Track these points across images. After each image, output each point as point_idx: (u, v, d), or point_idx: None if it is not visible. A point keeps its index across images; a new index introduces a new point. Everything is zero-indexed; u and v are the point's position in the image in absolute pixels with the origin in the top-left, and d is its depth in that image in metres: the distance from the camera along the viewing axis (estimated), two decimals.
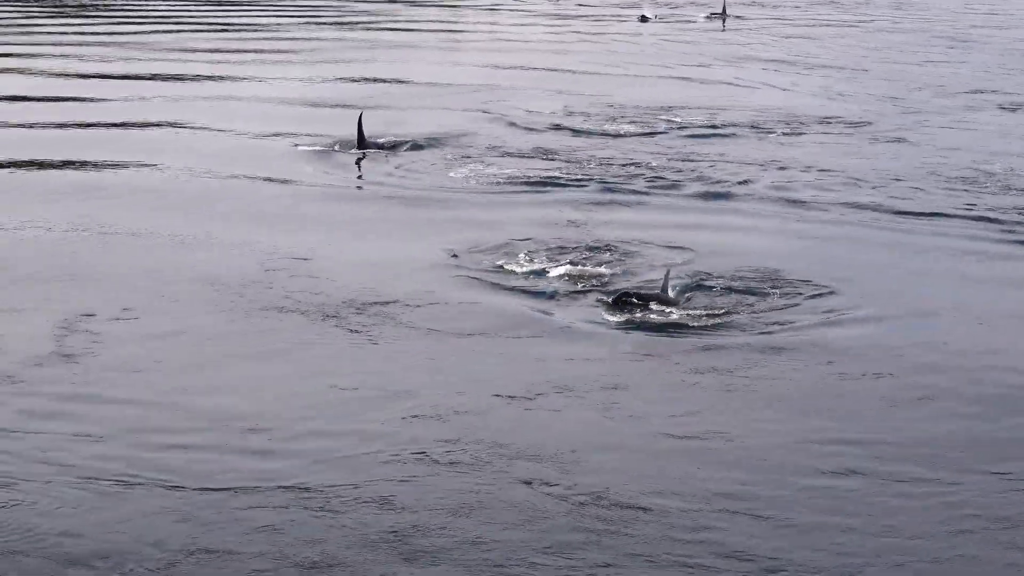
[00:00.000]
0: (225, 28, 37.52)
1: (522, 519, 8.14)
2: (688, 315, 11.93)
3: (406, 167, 18.62)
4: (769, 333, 11.52)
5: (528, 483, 8.61)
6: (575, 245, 14.23)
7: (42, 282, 12.94)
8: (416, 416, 9.72)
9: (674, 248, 14.22)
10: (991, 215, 16.00)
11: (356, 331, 11.55)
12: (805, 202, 16.71)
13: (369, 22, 42.13)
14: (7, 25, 39.01)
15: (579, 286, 12.78)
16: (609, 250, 14.07)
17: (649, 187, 17.44)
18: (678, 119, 22.96)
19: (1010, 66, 32.62)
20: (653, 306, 11.90)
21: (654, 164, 18.85)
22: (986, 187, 17.55)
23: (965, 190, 17.38)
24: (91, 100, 24.30)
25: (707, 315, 11.93)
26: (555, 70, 30.06)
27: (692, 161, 19.18)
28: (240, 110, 23.48)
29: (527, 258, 13.67)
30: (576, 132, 21.65)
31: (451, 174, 18.19)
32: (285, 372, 10.65)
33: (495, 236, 14.63)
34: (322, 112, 23.49)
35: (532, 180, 17.79)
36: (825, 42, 38.12)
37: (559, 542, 7.87)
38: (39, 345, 11.10)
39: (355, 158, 19.23)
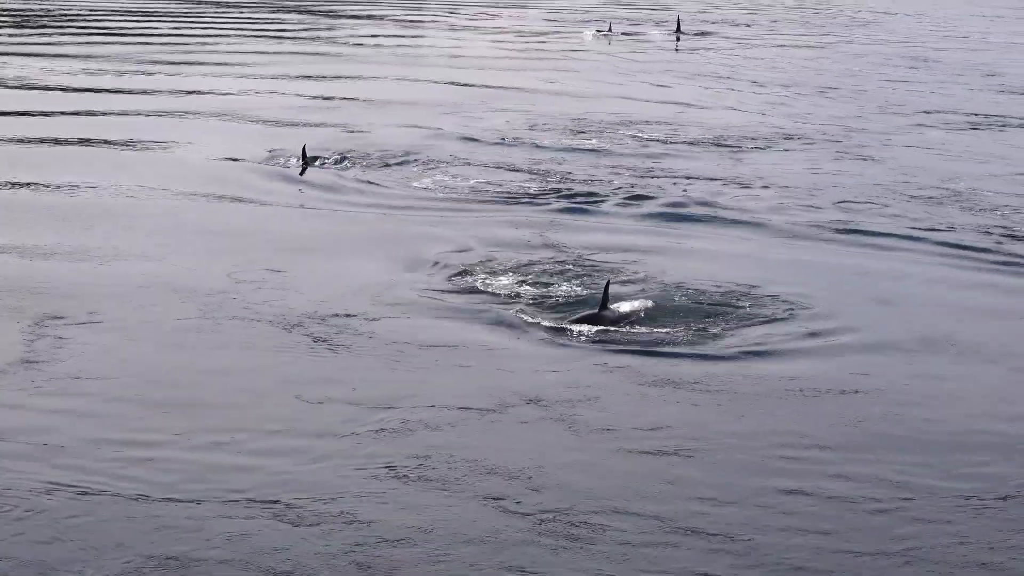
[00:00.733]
0: (185, 44, 37.27)
1: (486, 534, 8.10)
2: (652, 331, 11.87)
3: (368, 183, 18.52)
4: (733, 349, 11.53)
5: (493, 499, 8.58)
6: (538, 260, 14.19)
7: (7, 292, 12.80)
8: (382, 430, 9.68)
9: (634, 263, 14.19)
10: (959, 235, 16.07)
11: (320, 345, 11.51)
12: (768, 220, 16.75)
13: (331, 37, 42.01)
14: None
15: (542, 301, 12.71)
16: (571, 264, 14.02)
17: (611, 203, 17.42)
18: (641, 135, 22.98)
19: (971, 85, 32.86)
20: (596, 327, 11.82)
21: (616, 180, 18.84)
22: (952, 206, 17.62)
23: (930, 210, 17.48)
24: (48, 114, 24.01)
25: (672, 331, 11.88)
26: (514, 87, 30.01)
27: (654, 177, 19.20)
28: (199, 126, 23.27)
29: (490, 273, 13.61)
30: (537, 147, 21.62)
31: (412, 189, 18.14)
32: (250, 385, 10.60)
33: (458, 251, 14.59)
34: (280, 129, 23.30)
35: (494, 195, 17.79)
36: (787, 61, 38.31)
37: (523, 558, 7.83)
38: (4, 353, 11.02)
39: (311, 175, 19.02)
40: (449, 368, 11.06)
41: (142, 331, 11.79)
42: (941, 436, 9.90)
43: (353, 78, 30.56)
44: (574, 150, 21.34)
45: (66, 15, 46.16)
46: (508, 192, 17.92)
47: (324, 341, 11.57)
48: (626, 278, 13.58)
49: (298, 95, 27.05)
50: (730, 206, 17.34)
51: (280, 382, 10.62)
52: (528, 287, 13.14)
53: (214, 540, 7.96)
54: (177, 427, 9.65)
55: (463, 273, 13.66)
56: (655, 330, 11.91)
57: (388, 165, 19.65)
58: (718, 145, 22.24)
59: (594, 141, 22.21)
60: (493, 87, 29.46)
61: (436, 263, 14.05)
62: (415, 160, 20.03)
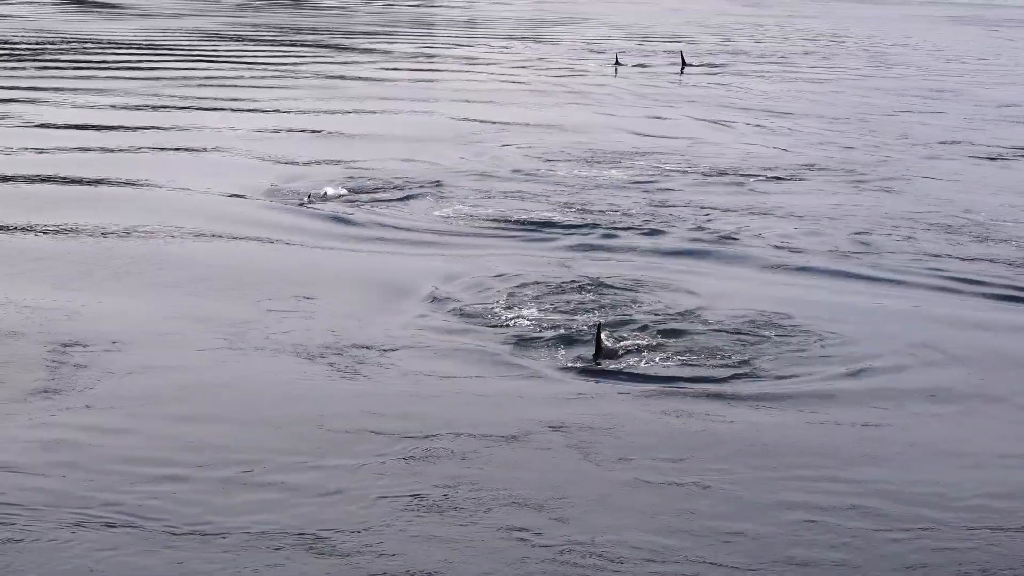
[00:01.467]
0: (197, 78, 37.34)
1: (508, 566, 8.10)
2: (675, 365, 11.82)
3: (383, 216, 18.50)
4: (755, 382, 11.50)
5: (516, 529, 8.57)
6: (558, 292, 14.16)
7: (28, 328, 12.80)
8: (407, 458, 9.70)
9: (655, 294, 14.15)
10: (981, 267, 15.96)
11: (342, 375, 11.53)
12: (788, 252, 16.68)
13: (344, 73, 42.11)
14: None
15: (563, 333, 12.66)
16: (592, 296, 13.99)
17: (631, 234, 17.39)
18: (657, 166, 22.96)
19: (987, 117, 32.80)
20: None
21: (634, 211, 18.82)
22: (974, 238, 17.55)
23: (954, 241, 17.43)
24: (46, 151, 23.92)
25: (694, 365, 11.82)
26: (526, 119, 30.00)
27: (672, 207, 19.16)
28: (209, 160, 23.19)
29: (511, 305, 13.57)
30: (553, 179, 21.61)
31: (429, 221, 18.12)
32: (273, 416, 10.60)
33: (477, 283, 14.57)
34: (294, 166, 23.23)
35: (513, 227, 17.79)
36: (801, 92, 38.28)
37: None
38: (28, 384, 11.07)
39: (325, 207, 18.91)
40: (471, 399, 11.05)
41: (164, 361, 11.78)
42: (969, 485, 9.80)
43: (367, 112, 30.55)
44: (590, 181, 21.31)
45: (60, 47, 46.30)
46: (526, 224, 17.90)
47: (346, 372, 11.56)
48: (649, 309, 13.54)
49: (311, 129, 27.04)
50: (750, 238, 17.30)
51: (303, 413, 10.62)
52: (548, 318, 13.10)
53: (242, 572, 7.95)
54: (200, 459, 9.64)
55: (484, 305, 13.62)
56: (678, 364, 11.85)
57: (405, 197, 19.61)
58: (735, 176, 22.21)
59: (612, 172, 22.18)
60: (506, 119, 29.45)
61: (455, 295, 14.03)
62: (431, 192, 19.99)
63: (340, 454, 9.76)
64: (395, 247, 16.49)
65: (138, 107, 29.24)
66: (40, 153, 22.63)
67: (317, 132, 26.35)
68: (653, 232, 17.46)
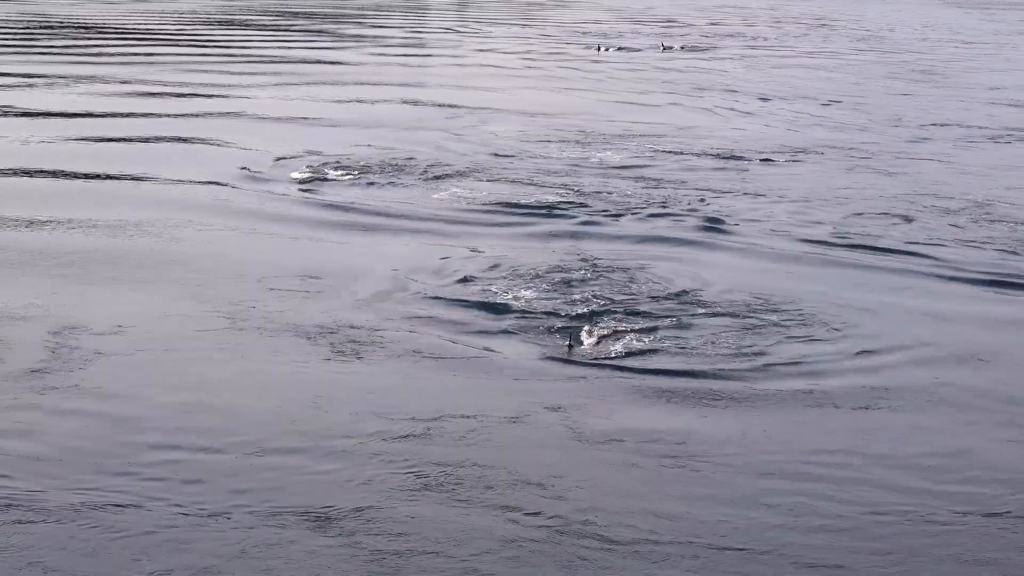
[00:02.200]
0: (188, 64, 37.28)
1: (507, 543, 8.17)
2: (675, 346, 11.87)
3: (381, 198, 18.52)
4: (756, 363, 11.56)
5: (514, 508, 8.63)
6: (557, 273, 14.21)
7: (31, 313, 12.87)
8: (407, 436, 9.77)
9: (653, 275, 14.19)
10: (982, 248, 16.01)
11: (343, 356, 11.59)
12: (786, 234, 16.70)
13: (338, 46, 42.06)
14: None
15: (563, 315, 12.71)
16: (590, 277, 14.02)
17: (628, 217, 17.42)
18: (649, 148, 23.00)
19: (979, 99, 32.87)
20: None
21: (629, 193, 18.85)
22: (971, 219, 17.57)
23: (952, 221, 17.45)
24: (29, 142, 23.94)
25: (694, 346, 11.87)
26: (516, 101, 30.04)
27: (666, 189, 19.20)
28: (204, 144, 23.21)
29: (510, 286, 13.63)
30: (547, 161, 21.66)
31: (427, 203, 18.13)
32: (268, 395, 10.66)
33: (476, 263, 14.65)
34: (290, 143, 23.28)
35: (510, 208, 17.83)
36: (789, 74, 38.32)
37: (543, 568, 7.90)
38: (29, 362, 11.16)
39: (327, 189, 18.95)
40: (468, 381, 11.10)
41: (167, 343, 11.86)
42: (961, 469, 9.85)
43: (357, 98, 30.52)
44: (583, 164, 21.34)
45: (52, 32, 46.20)
46: (521, 207, 17.92)
47: (347, 353, 11.62)
48: (645, 293, 13.59)
49: (305, 113, 27.02)
50: (746, 221, 17.32)
51: (303, 395, 10.67)
52: (545, 301, 13.14)
53: (248, 552, 8.01)
54: (203, 440, 9.70)
55: (480, 287, 13.65)
56: (674, 348, 11.90)
57: (397, 182, 19.60)
58: (728, 158, 22.24)
59: (605, 155, 22.22)
60: (497, 102, 29.47)
61: (454, 275, 14.08)
62: (423, 176, 20.00)
63: (341, 435, 9.81)
64: (389, 231, 16.51)
65: (127, 94, 29.16)
66: (24, 144, 22.49)
67: (307, 118, 26.31)
68: (649, 215, 17.47)
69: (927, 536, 8.43)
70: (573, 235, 16.28)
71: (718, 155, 22.48)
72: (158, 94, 29.13)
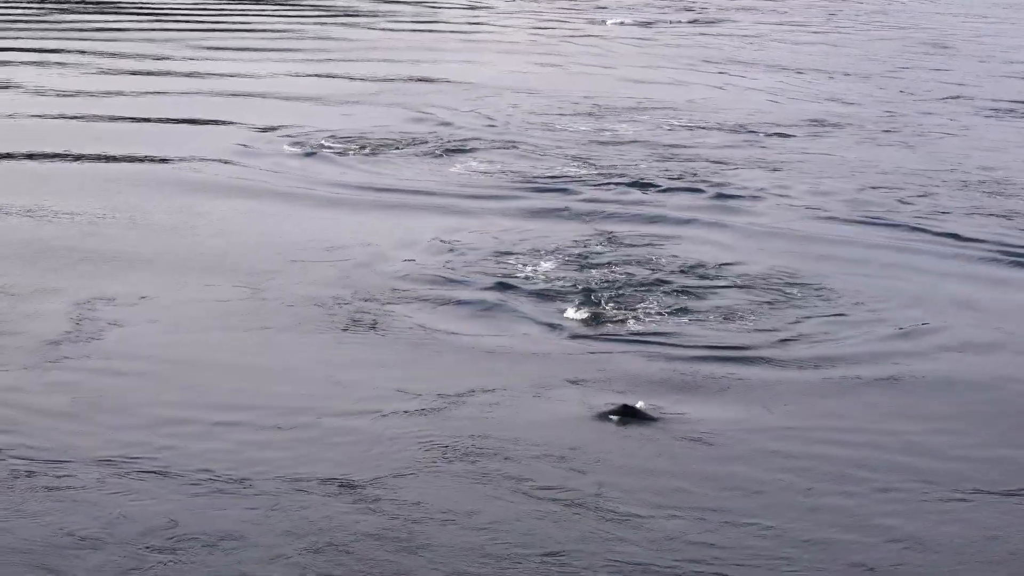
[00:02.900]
0: (194, 36, 37.23)
1: (521, 515, 8.27)
2: (697, 322, 11.86)
3: (394, 168, 18.46)
4: (774, 341, 11.58)
5: (527, 480, 8.72)
6: (576, 246, 14.26)
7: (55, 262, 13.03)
8: (423, 410, 9.86)
9: (676, 250, 14.18)
10: (1004, 222, 15.94)
11: (360, 329, 11.69)
12: (808, 208, 16.67)
13: (349, 22, 42.00)
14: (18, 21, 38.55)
15: (581, 289, 12.71)
16: (609, 252, 14.05)
17: (649, 190, 17.42)
18: (665, 121, 22.93)
19: (993, 73, 32.71)
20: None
21: (643, 166, 18.84)
22: (990, 193, 17.51)
23: (974, 197, 17.40)
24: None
25: (719, 322, 11.88)
26: (530, 72, 29.92)
27: (684, 163, 19.16)
28: (214, 113, 23.17)
29: (528, 261, 13.69)
30: (563, 133, 21.63)
31: (442, 177, 18.13)
32: (296, 367, 10.77)
33: (492, 237, 14.68)
34: (305, 109, 23.27)
35: (526, 181, 17.87)
36: (800, 46, 38.13)
37: (555, 539, 7.97)
38: (52, 328, 11.36)
39: (342, 162, 18.92)
40: (490, 354, 11.16)
41: (188, 311, 12.00)
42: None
43: (372, 73, 30.42)
44: (598, 137, 21.32)
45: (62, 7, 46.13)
46: (539, 179, 17.96)
47: (365, 326, 11.71)
48: (667, 267, 13.60)
49: (317, 89, 26.92)
50: (765, 195, 17.31)
51: (326, 366, 10.76)
52: (567, 275, 13.15)
53: (271, 517, 8.11)
54: (227, 411, 9.82)
55: (501, 260, 13.70)
56: (696, 322, 11.90)
57: (412, 155, 19.57)
58: (743, 132, 22.17)
59: (620, 127, 22.18)
60: (507, 75, 29.35)
61: (471, 250, 14.11)
62: (438, 150, 19.97)
63: (360, 407, 9.90)
64: (406, 206, 16.52)
65: (133, 72, 29.07)
66: (36, 121, 22.44)
67: (319, 95, 26.16)
68: (666, 190, 17.46)
69: (947, 518, 8.45)
70: (590, 209, 16.26)
71: (732, 129, 22.42)
72: (166, 73, 29.04)
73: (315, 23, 41.85)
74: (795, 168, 19.10)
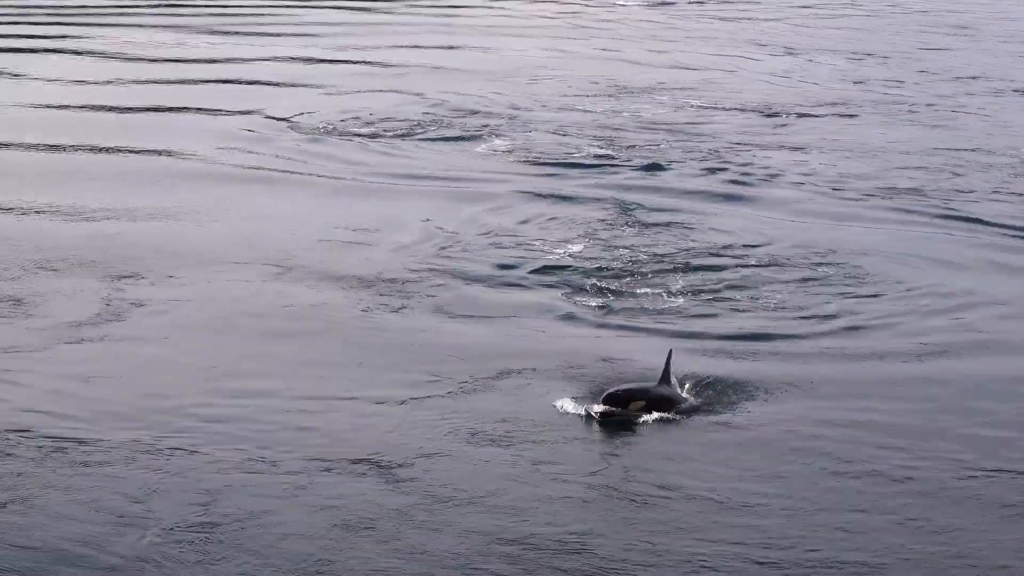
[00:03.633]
0: (221, 17, 37.20)
1: (546, 497, 8.28)
2: (727, 301, 11.86)
3: (419, 150, 18.47)
4: (805, 321, 11.57)
5: (558, 464, 8.71)
6: (603, 228, 14.28)
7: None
8: (453, 392, 9.88)
9: (699, 230, 14.15)
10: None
11: (389, 309, 11.74)
12: (831, 189, 16.61)
13: (368, 6, 41.95)
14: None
15: (610, 270, 12.69)
16: (636, 232, 14.05)
17: (672, 171, 17.36)
18: (686, 102, 22.83)
19: (1014, 53, 32.51)
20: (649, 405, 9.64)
21: (664, 147, 18.81)
22: (1020, 175, 17.40)
23: (999, 178, 17.31)
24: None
25: (749, 301, 11.86)
26: (548, 53, 29.83)
27: (708, 143, 19.09)
28: (247, 96, 23.20)
29: (556, 242, 13.69)
30: (586, 114, 21.55)
31: (464, 156, 18.11)
32: (321, 349, 10.82)
33: (523, 217, 14.77)
34: (332, 97, 23.25)
35: (552, 161, 17.86)
36: (816, 27, 37.90)
37: (579, 522, 8.01)
38: (89, 310, 11.44)
39: (370, 145, 18.91)
40: (522, 332, 11.18)
41: (218, 293, 12.09)
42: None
43: (391, 59, 30.32)
44: (620, 117, 21.26)
45: None
46: (564, 160, 17.96)
47: (393, 306, 11.72)
48: (695, 247, 13.56)
49: (338, 76, 26.81)
50: (790, 175, 17.27)
51: (357, 348, 10.80)
52: (596, 255, 13.15)
53: (305, 490, 8.20)
54: (251, 394, 9.86)
55: (529, 240, 13.71)
56: (726, 305, 11.90)
57: (440, 137, 19.56)
58: (765, 114, 22.06)
59: (642, 108, 22.09)
60: (528, 56, 29.27)
61: (499, 230, 14.13)
62: (463, 131, 19.93)
63: (388, 386, 9.94)
64: (432, 188, 16.53)
65: (152, 60, 29.01)
66: (46, 111, 22.40)
67: (339, 83, 25.96)
68: (690, 170, 17.39)
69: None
70: (616, 189, 16.22)
71: (755, 110, 22.32)
72: (188, 60, 28.98)
73: (332, 7, 41.80)
74: (819, 148, 19.01)
